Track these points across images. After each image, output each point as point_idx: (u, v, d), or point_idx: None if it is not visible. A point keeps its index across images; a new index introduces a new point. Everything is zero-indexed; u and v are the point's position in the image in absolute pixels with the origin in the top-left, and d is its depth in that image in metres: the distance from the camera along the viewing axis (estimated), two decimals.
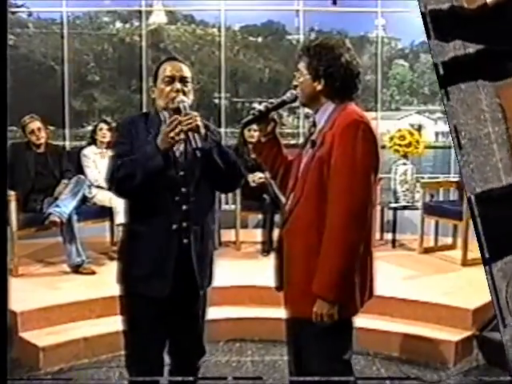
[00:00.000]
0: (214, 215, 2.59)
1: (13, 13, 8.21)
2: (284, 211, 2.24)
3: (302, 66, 2.14)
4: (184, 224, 2.37)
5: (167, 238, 2.36)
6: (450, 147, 8.01)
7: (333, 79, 2.08)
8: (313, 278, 2.03)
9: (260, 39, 9.18)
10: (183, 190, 2.37)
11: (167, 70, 2.41)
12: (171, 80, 2.39)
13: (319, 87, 2.10)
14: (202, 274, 2.45)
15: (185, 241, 2.38)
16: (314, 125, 2.17)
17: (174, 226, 2.35)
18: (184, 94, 2.39)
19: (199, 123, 2.28)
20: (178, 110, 2.34)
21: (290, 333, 2.31)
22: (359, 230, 2.00)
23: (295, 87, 2.20)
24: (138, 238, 2.40)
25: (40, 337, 3.63)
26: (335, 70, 2.07)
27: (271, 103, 2.27)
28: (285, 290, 2.23)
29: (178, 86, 2.39)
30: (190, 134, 2.26)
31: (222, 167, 2.36)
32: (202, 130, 2.29)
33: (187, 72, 2.44)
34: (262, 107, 2.26)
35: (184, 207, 2.37)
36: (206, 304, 2.58)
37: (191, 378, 2.57)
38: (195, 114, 2.31)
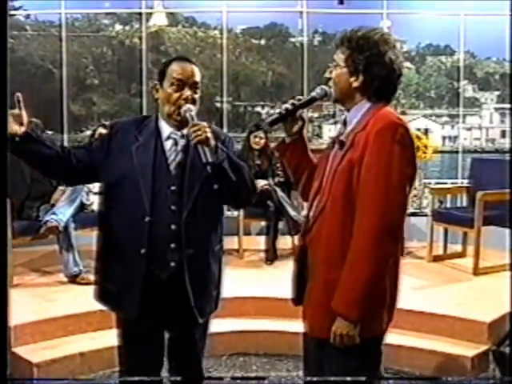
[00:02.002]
0: (220, 236, 2.35)
1: (10, 15, 8.14)
2: (307, 217, 2.04)
3: (339, 57, 1.94)
4: (172, 245, 2.16)
5: (135, 261, 2.16)
6: (457, 152, 7.92)
7: (373, 77, 1.89)
8: (333, 294, 1.85)
9: (263, 41, 9.15)
10: (173, 207, 2.16)
11: (177, 72, 2.17)
12: (181, 85, 2.16)
13: (356, 84, 1.91)
14: (200, 300, 2.24)
15: (172, 264, 2.17)
16: (345, 124, 1.99)
17: (143, 251, 2.14)
18: (193, 101, 2.18)
19: (209, 135, 2.06)
20: (183, 121, 2.14)
21: (306, 350, 2.13)
22: (389, 244, 1.82)
23: (328, 80, 2.00)
24: (110, 254, 2.25)
25: (34, 352, 3.50)
26: (377, 68, 1.88)
27: (299, 100, 2.05)
28: (304, 304, 2.04)
29: (187, 93, 2.16)
30: (198, 146, 2.05)
31: (234, 182, 2.14)
32: (212, 142, 2.07)
33: (198, 76, 2.21)
34: (288, 105, 2.04)
35: (173, 227, 2.16)
36: (208, 329, 2.41)
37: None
38: (204, 124, 2.09)
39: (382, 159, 1.80)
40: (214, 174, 2.09)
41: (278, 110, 2.07)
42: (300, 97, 2.07)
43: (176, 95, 2.16)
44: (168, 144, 2.22)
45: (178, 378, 2.44)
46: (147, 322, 2.22)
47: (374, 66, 1.88)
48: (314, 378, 2.06)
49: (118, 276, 2.21)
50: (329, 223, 1.90)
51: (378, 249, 1.79)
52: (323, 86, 2.02)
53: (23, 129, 2.09)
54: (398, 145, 1.80)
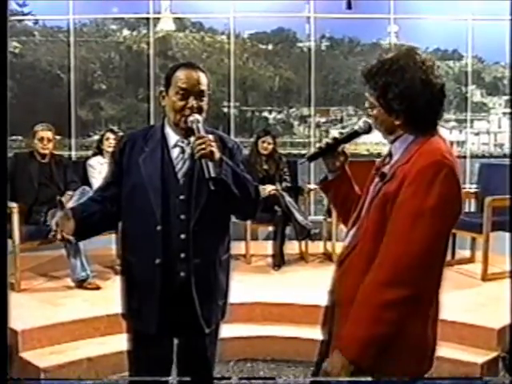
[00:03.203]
0: (227, 245, 2.33)
1: (19, 21, 8.18)
2: (343, 249, 1.88)
3: (370, 96, 1.74)
4: (182, 255, 2.15)
5: (151, 272, 2.16)
6: (464, 157, 7.88)
7: (412, 112, 1.67)
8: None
9: (270, 46, 9.14)
10: (182, 216, 2.15)
11: (182, 81, 2.12)
12: (185, 95, 2.11)
13: (398, 122, 1.70)
14: (207, 310, 2.22)
15: (182, 274, 2.17)
16: (390, 155, 1.79)
17: (158, 261, 2.14)
18: (199, 110, 2.13)
19: (214, 149, 2.01)
20: (190, 129, 2.10)
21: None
22: (406, 288, 1.58)
23: (368, 116, 1.81)
24: (128, 268, 2.25)
25: (41, 357, 3.50)
26: (413, 101, 1.65)
27: (341, 134, 1.91)
28: (333, 339, 1.85)
29: (192, 102, 2.11)
30: (202, 161, 2.00)
31: (237, 197, 2.11)
32: (217, 156, 2.02)
33: (204, 84, 2.15)
34: (329, 140, 1.90)
35: (182, 236, 2.15)
36: (217, 337, 2.38)
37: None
38: (210, 137, 2.04)
39: (417, 197, 1.59)
40: (217, 189, 2.03)
41: (318, 145, 1.95)
42: (342, 131, 1.99)
43: (181, 104, 2.12)
44: (175, 152, 2.19)
45: (188, 379, 2.42)
46: (160, 332, 2.21)
47: (409, 101, 1.66)
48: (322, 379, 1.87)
49: (137, 290, 2.22)
50: (357, 263, 1.74)
51: (386, 294, 1.59)
52: (366, 119, 1.85)
53: (72, 224, 2.12)
54: (440, 185, 1.58)
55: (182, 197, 2.15)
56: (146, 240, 2.14)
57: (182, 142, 2.19)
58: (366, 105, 1.79)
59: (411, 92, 1.65)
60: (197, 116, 2.10)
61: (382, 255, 1.63)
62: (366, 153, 8.88)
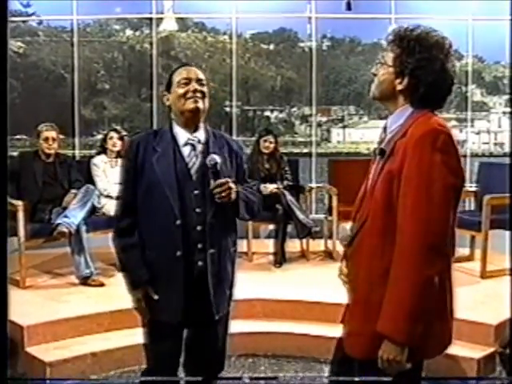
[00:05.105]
0: (235, 238, 2.46)
1: (23, 21, 8.22)
2: (351, 230, 1.96)
3: (388, 56, 1.83)
4: (199, 246, 2.27)
5: (173, 264, 2.27)
6: (465, 156, 7.90)
7: (418, 82, 1.77)
8: (374, 313, 1.73)
9: (272, 46, 9.17)
10: (198, 210, 2.27)
11: (182, 74, 2.31)
12: (187, 82, 2.28)
13: (400, 86, 1.80)
14: (219, 298, 2.35)
15: (199, 263, 2.28)
16: (385, 130, 1.87)
17: (178, 253, 2.25)
18: (202, 94, 2.29)
19: (233, 195, 2.23)
20: (209, 170, 2.24)
21: (339, 366, 2.05)
22: (434, 261, 1.66)
23: (373, 76, 1.88)
24: (150, 262, 2.30)
25: (47, 352, 3.55)
26: (425, 73, 1.76)
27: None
28: (344, 319, 1.96)
29: (195, 86, 2.28)
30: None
31: (241, 213, 2.33)
32: (234, 197, 2.23)
33: (202, 75, 2.34)
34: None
35: (199, 228, 2.27)
36: (228, 325, 2.51)
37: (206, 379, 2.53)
38: (229, 182, 2.22)
39: (422, 170, 1.66)
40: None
41: None
42: None
43: (184, 89, 2.27)
44: (186, 150, 2.30)
45: (193, 379, 2.52)
46: (184, 320, 2.32)
47: (421, 71, 1.75)
48: (340, 378, 2.01)
49: (160, 283, 2.29)
50: (369, 238, 1.80)
51: (421, 267, 1.65)
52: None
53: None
54: (440, 153, 1.66)
55: (196, 192, 2.27)
56: (166, 234, 2.25)
57: (192, 140, 2.31)
58: (377, 60, 1.87)
59: (428, 64, 1.75)
60: (214, 156, 2.23)
61: (406, 232, 1.68)
62: (366, 152, 8.91)
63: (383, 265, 1.74)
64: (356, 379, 2.01)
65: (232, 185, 2.22)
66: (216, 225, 2.28)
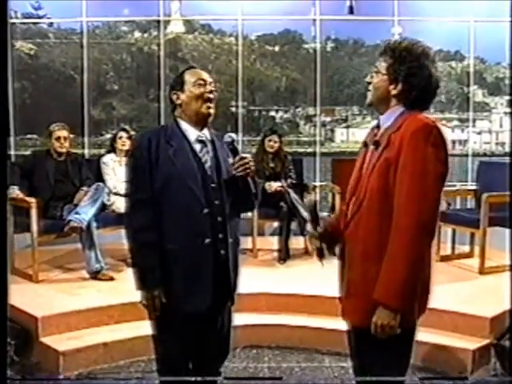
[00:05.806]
0: (239, 228, 2.60)
1: (34, 23, 8.33)
2: (345, 215, 2.14)
3: (381, 65, 2.06)
4: (220, 236, 2.37)
5: (202, 252, 2.33)
6: (466, 155, 7.98)
7: (411, 86, 2.01)
8: (372, 287, 1.93)
9: (277, 48, 9.21)
10: (216, 202, 2.37)
11: (198, 75, 2.42)
12: (203, 83, 2.39)
13: (394, 91, 2.04)
14: (235, 285, 2.49)
15: (222, 252, 2.38)
16: (378, 126, 2.10)
17: (207, 241, 2.33)
18: (214, 97, 2.42)
19: (253, 168, 2.38)
20: (228, 147, 2.44)
21: (350, 343, 2.23)
22: (427, 238, 1.92)
23: (368, 84, 2.11)
24: (170, 255, 2.32)
25: (60, 342, 3.65)
26: (416, 78, 2.00)
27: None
28: (343, 297, 2.15)
29: (211, 88, 2.41)
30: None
31: (253, 190, 2.45)
32: (253, 169, 2.39)
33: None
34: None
35: (219, 219, 2.37)
36: (232, 311, 2.63)
37: (212, 379, 2.61)
38: (249, 158, 2.38)
39: (416, 160, 1.89)
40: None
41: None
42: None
43: (201, 90, 2.38)
44: (197, 147, 2.41)
45: (199, 379, 2.58)
46: (209, 309, 2.40)
47: (413, 77, 1.99)
48: (367, 378, 2.13)
49: (187, 273, 2.34)
50: (366, 219, 2.01)
51: (415, 244, 1.88)
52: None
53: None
54: (432, 146, 1.89)
55: (213, 185, 2.38)
56: (194, 224, 2.32)
57: (202, 137, 2.43)
58: (372, 69, 2.09)
59: (418, 71, 1.99)
60: (231, 134, 2.42)
61: (402, 211, 1.90)
62: None
63: (380, 244, 1.94)
64: (358, 379, 2.21)
65: (251, 160, 2.36)
66: (231, 216, 2.41)
